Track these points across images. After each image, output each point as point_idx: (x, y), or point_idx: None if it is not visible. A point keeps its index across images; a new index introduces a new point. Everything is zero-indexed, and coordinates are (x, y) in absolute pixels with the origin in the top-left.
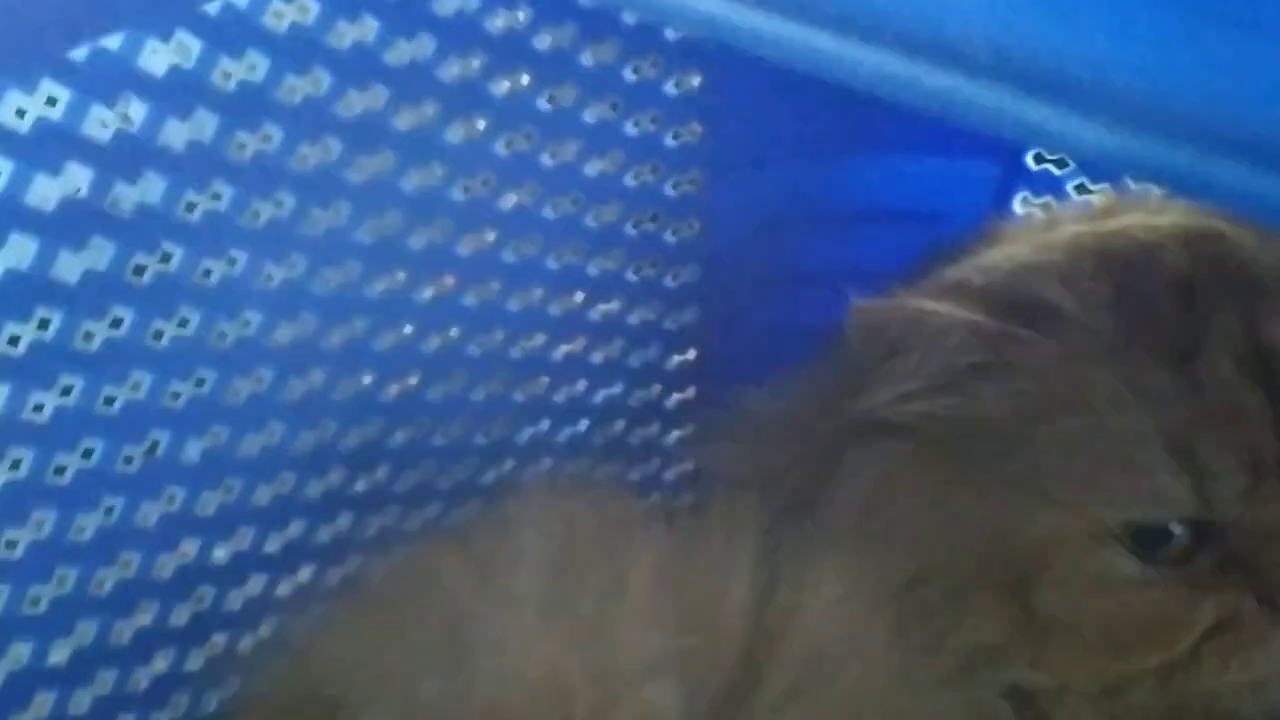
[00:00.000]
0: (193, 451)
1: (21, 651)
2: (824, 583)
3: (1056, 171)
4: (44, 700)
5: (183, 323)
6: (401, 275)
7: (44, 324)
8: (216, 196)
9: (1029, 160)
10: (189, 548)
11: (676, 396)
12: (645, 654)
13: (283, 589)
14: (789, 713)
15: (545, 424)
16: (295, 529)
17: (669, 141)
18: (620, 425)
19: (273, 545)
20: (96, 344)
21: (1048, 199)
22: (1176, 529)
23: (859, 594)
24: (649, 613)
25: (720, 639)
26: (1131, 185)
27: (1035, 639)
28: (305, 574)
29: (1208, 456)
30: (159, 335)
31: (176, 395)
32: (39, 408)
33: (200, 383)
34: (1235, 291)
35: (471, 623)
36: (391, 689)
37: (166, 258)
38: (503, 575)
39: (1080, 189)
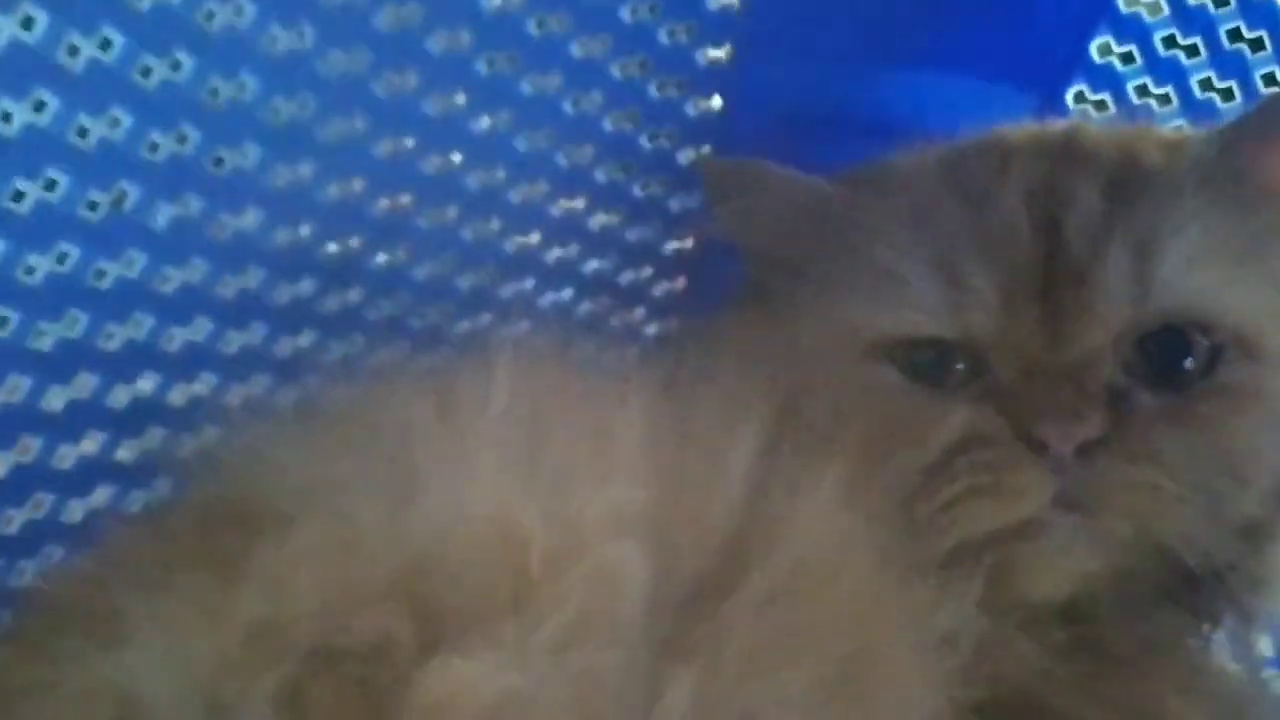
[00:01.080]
0: (161, 218)
1: None
2: (824, 487)
3: (1095, 114)
4: None
5: (175, 66)
6: (414, 78)
7: None
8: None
9: (1069, 97)
10: (140, 325)
11: (665, 285)
12: (615, 510)
13: (232, 395)
14: (770, 614)
15: (530, 282)
16: (254, 334)
17: (710, 4)
18: (605, 302)
19: (229, 345)
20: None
21: None
22: (955, 362)
23: (859, 502)
24: (627, 471)
25: (706, 522)
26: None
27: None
28: (258, 384)
29: (967, 273)
30: (147, 72)
31: (155, 147)
32: None
33: (182, 139)
34: (1049, 154)
35: (424, 452)
36: (327, 505)
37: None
38: (468, 411)
39: None
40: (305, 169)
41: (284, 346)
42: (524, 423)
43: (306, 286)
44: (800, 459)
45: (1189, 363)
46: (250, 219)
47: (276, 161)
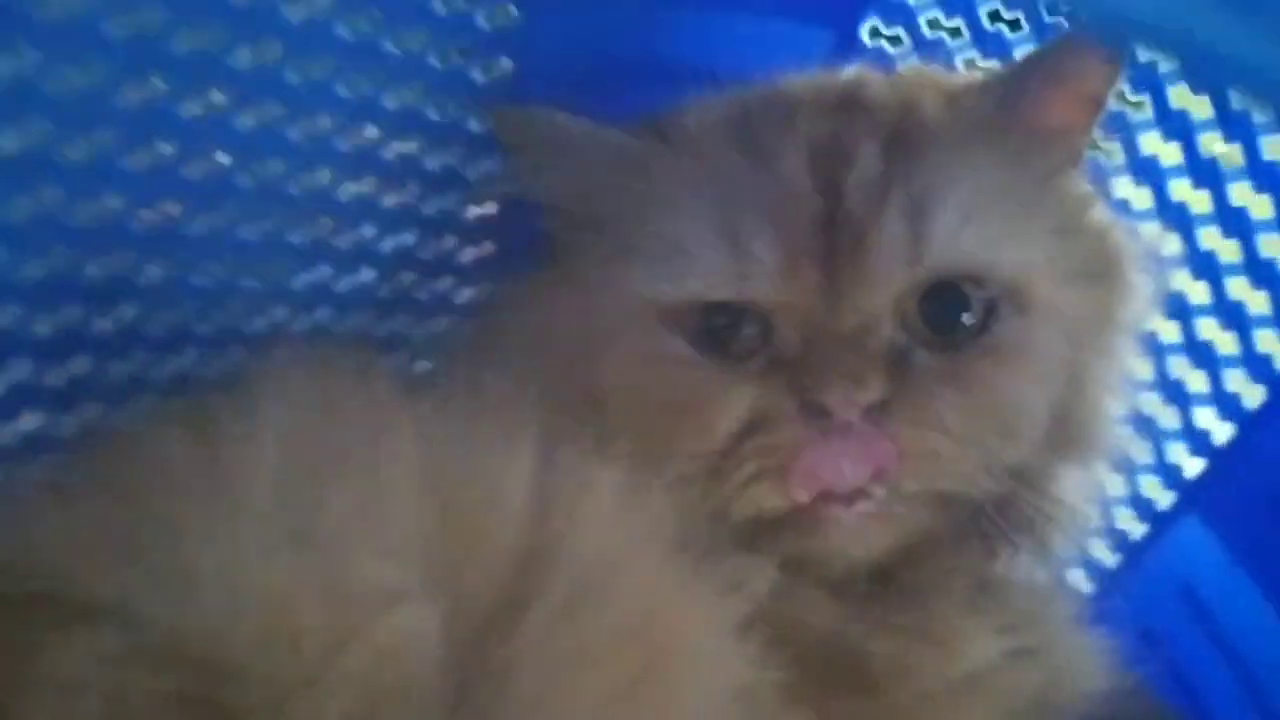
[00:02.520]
0: None
1: None
2: (603, 489)
3: (890, 49)
4: None
5: None
6: (162, 82)
7: None
8: None
9: (864, 33)
10: None
11: (473, 251)
12: (396, 575)
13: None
14: (563, 631)
15: (325, 270)
16: (19, 370)
17: None
18: (409, 278)
19: None
20: None
21: None
22: (742, 328)
23: (639, 500)
24: (406, 525)
25: (490, 554)
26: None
27: (599, 422)
28: (29, 422)
29: (749, 238)
30: None
31: None
32: None
33: None
34: (831, 109)
35: (197, 535)
36: (114, 598)
37: None
38: (236, 472)
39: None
40: (49, 192)
41: (54, 377)
42: (292, 471)
43: (70, 313)
44: (584, 455)
45: (966, 318)
46: None
47: (14, 191)
